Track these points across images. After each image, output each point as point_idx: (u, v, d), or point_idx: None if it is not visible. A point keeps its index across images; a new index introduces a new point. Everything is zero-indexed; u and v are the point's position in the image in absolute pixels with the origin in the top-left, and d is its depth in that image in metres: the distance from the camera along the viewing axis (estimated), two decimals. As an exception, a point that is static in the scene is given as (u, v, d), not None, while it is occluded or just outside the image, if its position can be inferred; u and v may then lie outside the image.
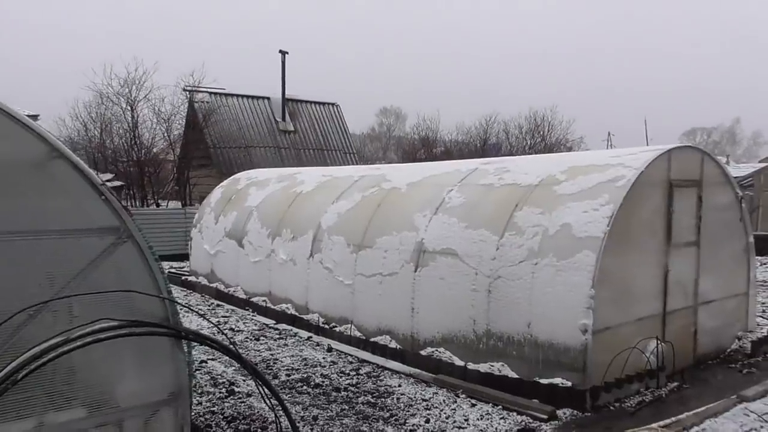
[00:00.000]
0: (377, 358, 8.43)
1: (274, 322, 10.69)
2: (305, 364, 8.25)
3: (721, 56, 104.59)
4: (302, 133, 29.70)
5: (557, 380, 6.59)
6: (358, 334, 9.09)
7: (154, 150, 25.54)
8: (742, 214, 8.89)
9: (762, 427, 5.94)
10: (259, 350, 8.97)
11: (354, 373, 7.92)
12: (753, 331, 9.07)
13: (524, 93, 75.63)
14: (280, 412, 4.35)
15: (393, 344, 8.50)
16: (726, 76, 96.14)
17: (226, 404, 6.69)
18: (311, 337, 9.67)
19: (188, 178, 24.43)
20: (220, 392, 7.07)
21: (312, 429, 6.07)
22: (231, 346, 4.32)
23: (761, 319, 9.98)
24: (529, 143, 38.64)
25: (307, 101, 30.83)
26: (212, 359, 8.34)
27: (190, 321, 10.55)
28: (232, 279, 12.71)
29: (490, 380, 7.06)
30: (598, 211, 6.82)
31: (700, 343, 8.21)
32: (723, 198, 8.58)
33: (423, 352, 8.01)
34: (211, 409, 6.54)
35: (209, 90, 27.03)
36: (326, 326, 9.70)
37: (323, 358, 8.58)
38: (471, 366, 7.36)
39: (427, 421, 6.26)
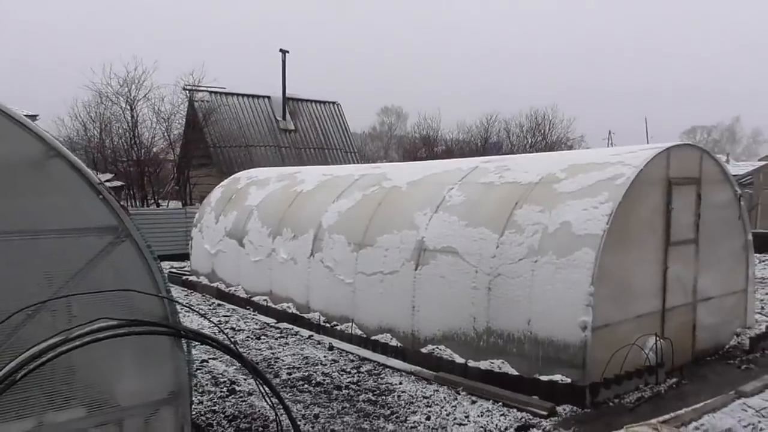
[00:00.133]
0: (378, 356, 8.45)
1: (275, 321, 10.71)
2: (306, 363, 8.27)
3: (722, 55, 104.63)
4: (303, 132, 29.68)
5: (557, 377, 6.60)
6: (359, 332, 9.11)
7: (154, 150, 25.51)
8: (741, 211, 8.89)
9: (760, 422, 5.95)
10: (260, 349, 8.98)
11: (355, 371, 7.94)
12: (751, 327, 9.07)
13: (524, 93, 75.99)
14: (281, 411, 4.36)
15: (394, 342, 8.52)
16: (726, 75, 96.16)
17: (227, 403, 6.71)
18: (312, 335, 9.69)
19: (188, 177, 24.42)
20: (221, 391, 7.09)
21: (313, 427, 6.09)
22: (231, 344, 4.34)
23: (760, 315, 9.99)
24: (530, 142, 38.59)
25: (307, 100, 30.80)
26: (213, 358, 8.36)
27: (191, 320, 10.57)
28: (233, 278, 12.72)
29: (490, 377, 7.08)
30: (598, 209, 6.83)
31: (698, 339, 8.22)
32: (722, 196, 8.58)
33: (424, 350, 8.02)
34: (213, 408, 6.56)
35: (209, 89, 26.98)
36: (327, 325, 9.71)
37: (324, 356, 8.60)
38: (471, 363, 7.38)
39: (428, 419, 6.28)
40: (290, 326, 10.28)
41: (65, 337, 3.47)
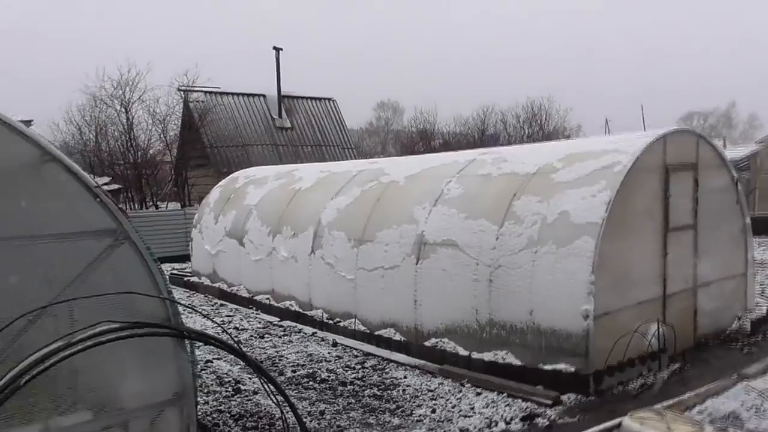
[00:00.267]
0: (382, 351, 8.47)
1: (278, 319, 10.73)
2: (311, 360, 8.28)
3: (718, 41, 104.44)
4: (299, 130, 29.62)
5: (560, 366, 6.62)
6: (362, 328, 9.12)
7: (151, 151, 25.46)
8: (739, 196, 8.90)
9: (763, 403, 5.96)
10: (264, 348, 9.00)
11: (359, 366, 7.95)
12: (752, 310, 9.10)
13: (521, 84, 75.31)
14: (287, 408, 4.37)
15: (397, 337, 8.54)
16: (723, 61, 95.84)
17: (232, 402, 6.72)
18: (316, 332, 9.71)
19: (186, 178, 24.37)
20: (226, 391, 7.11)
21: (319, 423, 6.10)
22: (234, 344, 4.34)
23: (760, 298, 10.01)
24: (527, 132, 38.56)
25: (303, 97, 30.72)
26: (218, 359, 8.38)
27: (194, 321, 10.58)
28: (235, 278, 12.73)
29: (494, 369, 7.10)
30: (596, 197, 6.83)
31: (700, 324, 8.24)
32: (719, 180, 8.59)
33: (427, 344, 8.04)
34: (218, 407, 6.57)
35: (204, 89, 26.89)
36: (330, 321, 9.73)
37: (328, 353, 8.62)
38: (475, 355, 7.40)
39: (433, 411, 6.30)
40: (293, 324, 10.30)
41: (68, 342, 3.47)
